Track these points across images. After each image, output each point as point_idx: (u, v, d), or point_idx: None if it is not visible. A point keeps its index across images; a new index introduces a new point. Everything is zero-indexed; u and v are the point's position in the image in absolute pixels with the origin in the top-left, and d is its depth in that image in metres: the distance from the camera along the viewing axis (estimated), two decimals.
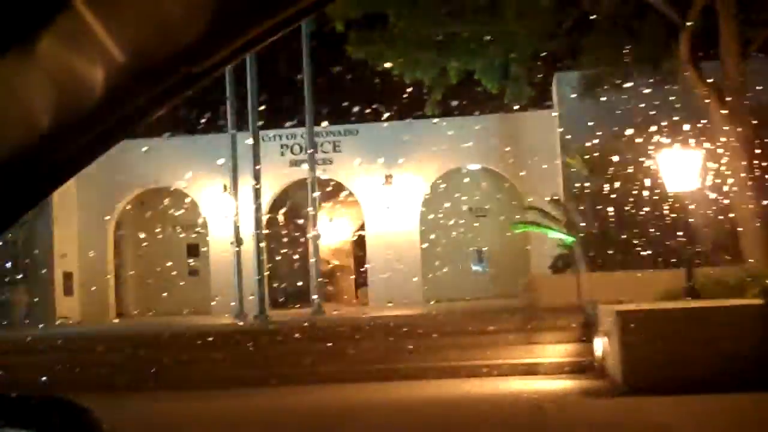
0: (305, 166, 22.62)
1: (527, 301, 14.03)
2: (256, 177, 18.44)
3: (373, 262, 22.48)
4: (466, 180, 23.26)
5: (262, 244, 19.32)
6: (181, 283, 24.66)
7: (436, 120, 21.94)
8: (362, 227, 28.88)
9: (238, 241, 19.70)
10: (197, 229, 24.70)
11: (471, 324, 12.98)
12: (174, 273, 24.79)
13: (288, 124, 21.62)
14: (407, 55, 14.18)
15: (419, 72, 14.68)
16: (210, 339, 13.66)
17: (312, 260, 19.47)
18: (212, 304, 21.39)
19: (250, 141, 20.13)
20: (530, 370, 10.81)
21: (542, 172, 21.52)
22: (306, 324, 14.99)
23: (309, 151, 19.75)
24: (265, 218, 22.72)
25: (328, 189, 24.37)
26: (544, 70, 19.48)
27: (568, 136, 20.01)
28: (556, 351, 11.35)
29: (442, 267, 23.09)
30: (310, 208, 19.53)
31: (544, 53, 15.19)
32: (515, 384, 10.25)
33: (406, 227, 22.27)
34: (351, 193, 23.33)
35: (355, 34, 14.20)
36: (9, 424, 1.20)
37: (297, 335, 13.65)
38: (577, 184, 18.98)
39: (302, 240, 27.32)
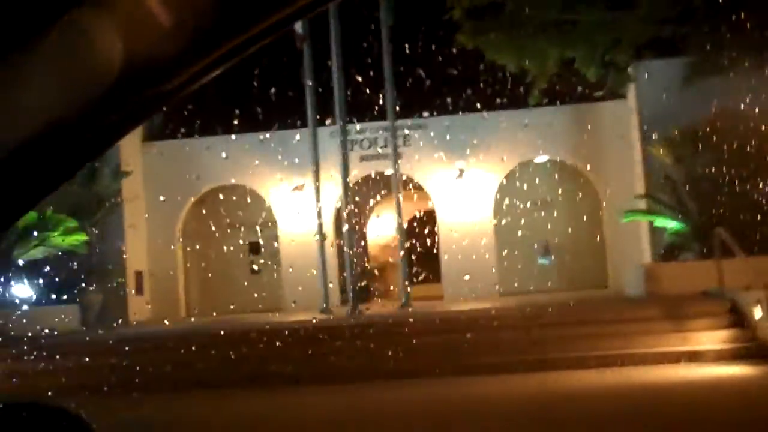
0: (375, 162, 22.59)
1: (646, 290, 13.83)
2: (345, 169, 18.18)
3: (445, 257, 22.27)
4: (537, 172, 23.09)
5: (344, 240, 19.17)
6: (244, 282, 24.56)
7: (506, 112, 21.81)
8: (413, 221, 28.73)
9: (322, 237, 19.51)
10: (258, 227, 24.55)
11: (596, 314, 12.78)
12: (240, 271, 24.71)
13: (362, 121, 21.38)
14: (520, 44, 13.95)
15: (527, 61, 14.45)
16: (321, 335, 13.45)
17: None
18: (293, 303, 21.10)
19: (327, 136, 20.10)
20: (692, 357, 10.58)
21: (618, 162, 21.34)
22: (410, 318, 14.78)
23: (376, 149, 19.58)
24: (331, 214, 22.67)
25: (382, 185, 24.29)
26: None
27: (645, 126, 19.86)
28: (712, 337, 11.14)
29: (513, 260, 22.94)
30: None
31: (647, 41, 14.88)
32: (686, 371, 10.04)
33: (479, 220, 22.06)
34: (405, 187, 23.08)
35: (470, 24, 13.98)
36: None
37: (406, 329, 13.43)
38: (664, 173, 18.74)
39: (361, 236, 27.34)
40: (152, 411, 10.09)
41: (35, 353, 13.05)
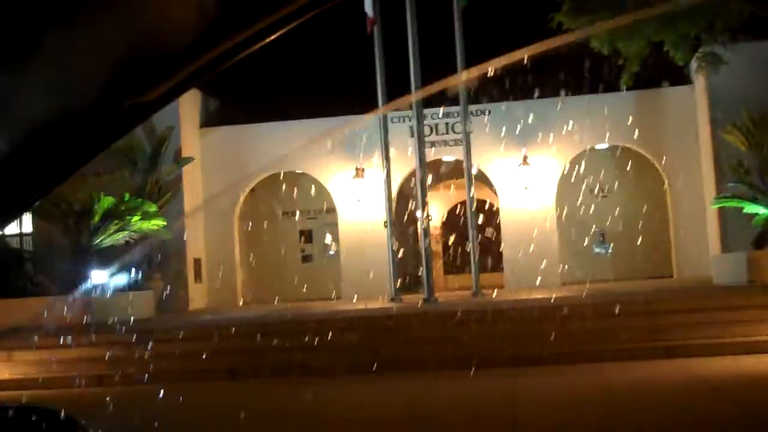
0: (437, 147, 22.37)
1: (749, 278, 13.67)
2: (421, 155, 17.94)
3: (507, 245, 22.08)
4: (600, 159, 22.90)
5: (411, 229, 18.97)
6: (300, 270, 24.39)
7: (570, 98, 21.59)
8: (454, 210, 28.53)
9: (390, 224, 19.27)
10: (317, 214, 24.40)
11: (706, 302, 12.61)
12: (296, 258, 24.53)
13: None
14: (621, 26, 13.75)
15: (621, 43, 14.25)
16: (413, 321, 13.24)
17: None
18: (354, 297, 20.90)
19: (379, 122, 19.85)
20: None
21: (685, 149, 21.16)
22: (488, 307, 14.59)
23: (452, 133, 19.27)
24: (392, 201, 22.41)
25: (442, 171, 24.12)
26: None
27: (716, 112, 19.67)
28: None
29: (575, 249, 22.76)
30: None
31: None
32: None
33: (541, 208, 21.85)
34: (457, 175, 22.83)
35: (569, 4, 13.78)
36: None
37: (494, 319, 13.20)
38: (737, 159, 18.54)
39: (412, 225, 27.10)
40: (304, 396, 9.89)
41: (141, 338, 12.87)
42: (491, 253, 22.62)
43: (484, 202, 25.06)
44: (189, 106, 22.23)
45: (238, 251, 23.05)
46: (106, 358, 12.40)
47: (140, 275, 19.36)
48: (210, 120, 23.18)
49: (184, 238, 21.30)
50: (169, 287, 20.23)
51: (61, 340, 13.28)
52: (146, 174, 20.28)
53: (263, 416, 9.16)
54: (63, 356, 12.61)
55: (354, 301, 19.77)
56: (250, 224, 23.74)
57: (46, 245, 19.08)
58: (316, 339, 12.48)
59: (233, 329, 13.81)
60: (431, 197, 26.27)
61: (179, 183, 21.30)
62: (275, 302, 21.96)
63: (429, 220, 18.31)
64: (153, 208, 17.05)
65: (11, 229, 20.83)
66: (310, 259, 25.04)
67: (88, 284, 16.27)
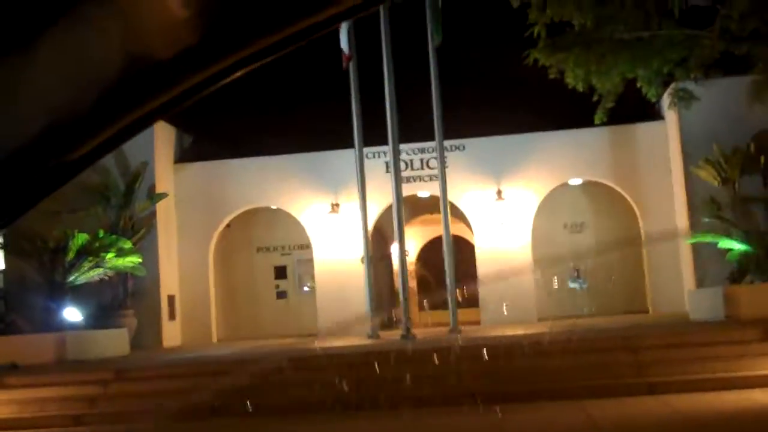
0: (412, 183, 22.41)
1: (726, 313, 13.76)
2: (398, 189, 17.95)
3: (482, 280, 22.09)
4: (573, 194, 23.09)
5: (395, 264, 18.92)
6: (275, 307, 24.26)
7: (543, 133, 21.81)
8: (427, 246, 28.64)
9: (365, 260, 19.22)
10: (291, 250, 24.31)
11: (685, 337, 12.67)
12: (270, 295, 24.39)
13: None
14: (589, 61, 13.94)
15: (596, 79, 14.44)
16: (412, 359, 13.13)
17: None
18: (336, 327, 20.82)
19: (353, 159, 19.86)
20: None
21: (657, 184, 21.38)
22: (467, 344, 14.58)
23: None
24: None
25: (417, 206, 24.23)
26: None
27: (687, 147, 19.96)
28: None
29: (549, 285, 22.85)
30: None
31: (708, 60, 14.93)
32: None
33: (518, 243, 21.92)
34: (431, 210, 22.90)
35: (544, 41, 13.95)
36: None
37: (493, 353, 13.14)
38: (709, 195, 18.77)
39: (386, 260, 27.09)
40: None
41: (118, 377, 12.69)
42: (466, 289, 22.60)
43: (460, 237, 25.15)
44: (163, 141, 22.15)
45: (212, 288, 22.85)
46: (83, 397, 12.21)
47: (113, 312, 19.18)
48: (184, 156, 23.09)
49: (158, 275, 21.09)
50: (141, 324, 20.02)
51: (37, 379, 13.07)
52: (120, 210, 20.12)
53: None
54: (39, 395, 12.38)
55: (329, 338, 19.69)
56: (227, 261, 23.63)
57: (18, 282, 18.82)
58: (294, 376, 12.40)
59: (210, 367, 13.69)
60: (406, 233, 26.40)
61: (153, 219, 21.14)
62: (250, 339, 21.81)
63: (406, 255, 18.27)
64: (128, 245, 16.90)
65: None
66: (285, 296, 24.90)
67: (62, 322, 16.03)
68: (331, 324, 21.84)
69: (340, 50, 19.10)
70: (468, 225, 22.87)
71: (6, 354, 14.67)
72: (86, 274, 16.50)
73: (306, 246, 23.71)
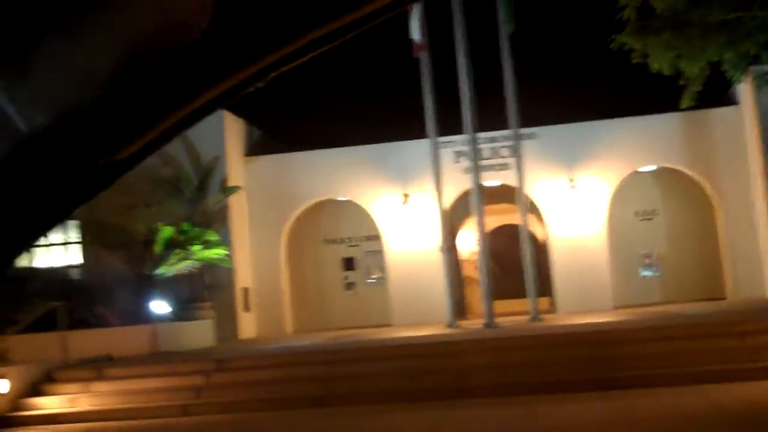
0: (481, 173, 22.26)
1: None
2: (476, 179, 17.85)
3: (556, 269, 21.93)
4: (648, 181, 22.83)
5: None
6: (348, 298, 24.29)
7: (617, 120, 21.60)
8: (491, 235, 28.35)
9: (443, 249, 19.18)
10: (362, 242, 24.31)
11: None
12: (340, 286, 24.42)
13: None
14: (685, 45, 13.70)
15: (684, 63, 14.19)
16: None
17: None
18: (410, 317, 20.79)
19: (427, 149, 19.81)
20: None
21: (734, 169, 21.08)
22: (559, 331, 14.48)
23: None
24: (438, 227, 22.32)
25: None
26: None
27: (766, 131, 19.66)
28: None
29: (625, 272, 22.61)
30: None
31: None
32: None
33: (592, 232, 21.73)
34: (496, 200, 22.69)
35: (637, 24, 13.75)
36: None
37: (575, 342, 13.05)
38: None
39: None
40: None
41: (217, 367, 12.78)
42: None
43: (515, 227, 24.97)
44: (233, 135, 22.27)
45: (285, 280, 22.95)
46: (187, 388, 12.30)
47: (191, 305, 19.31)
48: (254, 149, 23.19)
49: (233, 267, 21.18)
50: (218, 317, 20.14)
51: (137, 371, 13.20)
52: (193, 204, 20.24)
53: None
54: (142, 386, 12.50)
55: (405, 328, 19.66)
56: (298, 252, 23.70)
57: (100, 274, 18.99)
58: (395, 365, 12.39)
59: (304, 357, 13.73)
60: (471, 223, 26.30)
61: (225, 212, 21.26)
62: (323, 330, 21.85)
63: (485, 244, 18.19)
64: (214, 237, 17.02)
65: (60, 259, 20.79)
66: (353, 287, 24.90)
67: (150, 314, 16.19)
68: (404, 314, 21.81)
69: (410, 40, 19.04)
70: (536, 214, 22.67)
71: (99, 346, 14.85)
72: (175, 266, 16.64)
73: (373, 237, 23.70)
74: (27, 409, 12.41)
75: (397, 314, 22.10)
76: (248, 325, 21.85)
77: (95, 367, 13.37)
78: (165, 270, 16.50)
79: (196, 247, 16.65)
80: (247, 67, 1.22)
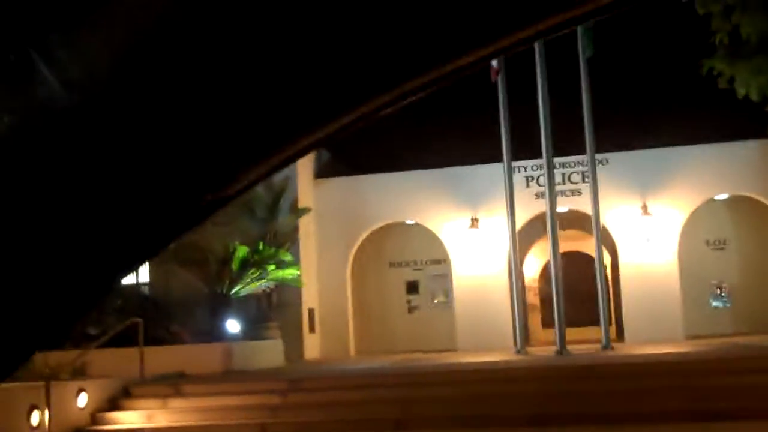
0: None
1: None
2: (552, 211, 17.66)
3: (626, 297, 21.59)
4: (720, 209, 22.44)
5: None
6: (411, 321, 24.19)
7: (690, 147, 21.28)
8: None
9: (517, 275, 19.01)
10: (429, 265, 24.23)
11: None
12: (404, 309, 24.34)
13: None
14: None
15: None
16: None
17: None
18: (475, 342, 20.63)
19: (500, 172, 19.68)
20: None
21: None
22: (640, 360, 14.19)
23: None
24: (505, 252, 22.13)
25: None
26: None
27: None
28: None
29: (696, 302, 22.18)
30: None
31: None
32: None
33: (663, 260, 21.37)
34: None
35: (724, 49, 13.59)
36: None
37: (666, 371, 12.74)
38: None
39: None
40: None
41: (292, 387, 12.78)
42: (593, 305, 22.02)
43: (580, 252, 24.72)
44: (304, 157, 22.36)
45: (350, 302, 22.95)
46: (264, 406, 12.30)
47: (259, 325, 19.37)
48: (322, 171, 23.30)
49: (300, 288, 21.23)
50: (284, 337, 20.17)
51: (212, 389, 13.24)
52: (264, 224, 20.36)
53: None
54: (218, 404, 12.54)
55: (470, 353, 19.47)
56: (364, 275, 23.71)
57: (170, 293, 19.19)
58: (473, 389, 12.25)
59: (379, 379, 13.66)
60: (535, 249, 26.10)
61: (295, 233, 21.34)
62: (388, 353, 21.75)
63: (558, 270, 17.96)
64: (288, 257, 17.09)
65: (131, 276, 21.07)
66: (417, 310, 24.79)
67: (223, 333, 16.27)
68: (469, 339, 21.63)
69: (487, 64, 19.01)
70: (608, 242, 22.35)
71: (172, 363, 14.94)
72: (250, 286, 16.72)
73: (438, 261, 23.64)
74: (105, 423, 12.50)
75: (461, 339, 21.92)
76: (313, 346, 21.86)
77: (172, 384, 13.45)
78: (240, 289, 16.58)
79: (270, 267, 16.71)
80: (375, 98, 1.20)
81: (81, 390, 12.52)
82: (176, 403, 12.81)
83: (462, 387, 12.44)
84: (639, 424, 10.35)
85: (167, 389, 13.22)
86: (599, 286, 18.52)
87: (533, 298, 28.23)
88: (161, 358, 14.88)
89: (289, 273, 17.27)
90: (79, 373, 13.48)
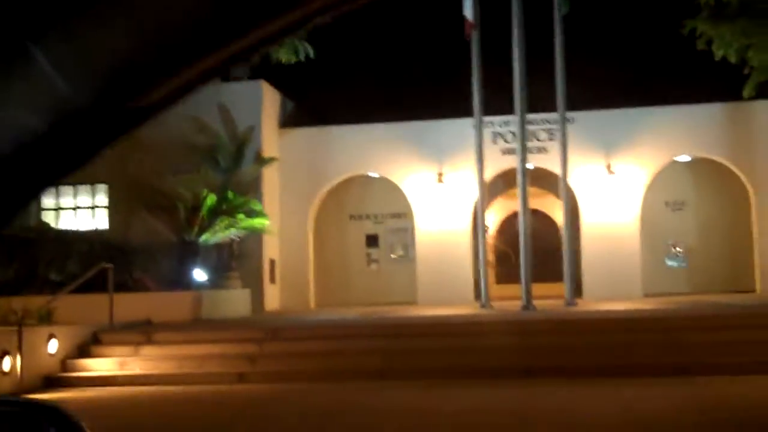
0: (513, 156, 22.04)
1: None
2: (522, 169, 17.65)
3: (585, 255, 21.78)
4: (683, 171, 22.69)
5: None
6: (368, 274, 24.12)
7: (655, 108, 21.39)
8: (507, 220, 28.17)
9: (488, 228, 19.00)
10: (391, 219, 24.13)
11: None
12: (362, 263, 24.25)
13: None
14: (757, 33, 13.55)
15: (752, 52, 14.03)
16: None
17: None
18: (436, 296, 20.65)
19: (466, 127, 19.63)
20: None
21: None
22: (613, 316, 14.35)
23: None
24: (470, 207, 22.14)
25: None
26: None
27: None
28: None
29: (653, 261, 22.50)
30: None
31: None
32: None
33: (623, 220, 21.59)
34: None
35: (711, 11, 13.56)
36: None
37: (643, 327, 12.88)
38: None
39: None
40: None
41: (267, 336, 12.63)
42: (549, 263, 22.19)
43: (538, 211, 24.81)
44: (269, 106, 22.02)
45: (312, 254, 22.77)
46: (241, 356, 12.14)
47: (220, 274, 19.12)
48: (286, 122, 22.93)
49: (261, 239, 20.96)
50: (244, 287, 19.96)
51: (186, 336, 13.04)
52: (228, 173, 19.99)
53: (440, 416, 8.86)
54: (192, 353, 12.33)
55: (431, 306, 19.49)
56: (325, 227, 23.52)
57: (132, 240, 18.76)
58: (455, 342, 12.22)
59: (352, 330, 13.60)
60: (495, 206, 26.13)
61: (258, 183, 20.99)
62: (348, 306, 21.67)
63: (526, 226, 18.01)
64: (258, 206, 16.80)
65: (86, 223, 20.58)
66: (375, 264, 24.71)
67: (190, 281, 16.00)
68: (430, 293, 21.64)
69: (462, 18, 18.80)
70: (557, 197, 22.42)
71: (140, 311, 14.67)
72: (219, 234, 16.43)
73: (398, 215, 23.57)
74: (76, 370, 12.22)
75: (421, 292, 21.94)
76: (273, 297, 21.66)
77: (143, 331, 13.19)
78: (209, 237, 16.28)
79: (240, 216, 16.43)
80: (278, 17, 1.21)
81: (51, 336, 12.20)
82: (148, 350, 12.59)
83: (440, 339, 12.42)
84: (618, 377, 10.44)
85: (138, 336, 12.97)
86: (565, 244, 18.63)
87: (489, 254, 28.32)
88: (128, 305, 14.58)
89: (259, 222, 17.02)
90: (46, 319, 13.12)
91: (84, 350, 12.62)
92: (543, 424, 8.46)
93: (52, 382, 11.76)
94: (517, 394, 9.93)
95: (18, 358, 11.22)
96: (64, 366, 12.20)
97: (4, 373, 11.08)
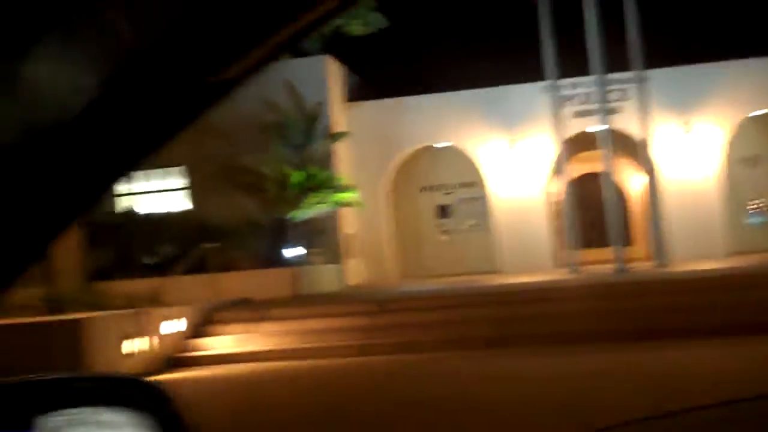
0: (586, 118, 21.85)
1: None
2: (605, 131, 17.43)
3: (667, 216, 21.54)
4: (760, 126, 22.35)
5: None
6: (448, 245, 24.11)
7: (731, 62, 21.05)
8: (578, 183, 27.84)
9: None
10: (465, 188, 24.06)
11: None
12: (442, 231, 24.24)
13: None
14: None
15: None
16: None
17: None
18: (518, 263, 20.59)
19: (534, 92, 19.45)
20: None
21: None
22: (712, 275, 14.20)
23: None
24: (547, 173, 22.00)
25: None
26: None
27: None
28: None
29: (735, 220, 22.22)
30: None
31: None
32: None
33: (704, 177, 21.33)
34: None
35: None
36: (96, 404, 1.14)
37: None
38: None
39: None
40: None
41: (388, 308, 12.69)
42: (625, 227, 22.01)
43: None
44: (335, 81, 21.97)
45: (389, 226, 22.79)
46: (356, 328, 12.21)
47: (310, 251, 19.15)
48: (352, 95, 22.87)
49: (337, 214, 20.98)
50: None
51: (297, 312, 13.13)
52: (300, 150, 19.97)
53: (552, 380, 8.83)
54: (308, 327, 12.41)
55: (514, 274, 19.44)
56: (401, 198, 23.52)
57: (214, 220, 18.83)
58: (570, 307, 12.20)
59: (456, 300, 13.60)
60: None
61: (329, 159, 20.95)
62: (429, 277, 21.68)
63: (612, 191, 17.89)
64: (343, 181, 16.80)
65: (169, 206, 20.70)
66: (449, 234, 24.67)
67: (282, 258, 16.09)
68: (510, 261, 21.58)
69: None
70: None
71: (240, 289, 14.78)
72: (308, 210, 16.46)
73: (469, 184, 23.48)
74: (196, 350, 12.37)
75: (501, 261, 21.87)
76: (354, 271, 21.68)
77: (255, 309, 13.30)
78: (299, 214, 16.32)
79: (328, 191, 16.46)
80: None
81: (166, 318, 12.34)
82: (265, 327, 12.68)
83: (553, 304, 12.38)
84: (731, 336, 10.36)
85: (251, 314, 13.07)
86: (654, 207, 18.45)
87: (557, 220, 28.11)
88: (228, 284, 14.72)
89: (347, 196, 17.02)
90: (156, 301, 13.28)
91: (200, 330, 12.75)
92: (667, 386, 8.33)
93: (174, 362, 11.90)
94: (635, 357, 9.87)
95: (141, 340, 11.36)
96: (185, 346, 12.34)
97: (129, 356, 11.23)
